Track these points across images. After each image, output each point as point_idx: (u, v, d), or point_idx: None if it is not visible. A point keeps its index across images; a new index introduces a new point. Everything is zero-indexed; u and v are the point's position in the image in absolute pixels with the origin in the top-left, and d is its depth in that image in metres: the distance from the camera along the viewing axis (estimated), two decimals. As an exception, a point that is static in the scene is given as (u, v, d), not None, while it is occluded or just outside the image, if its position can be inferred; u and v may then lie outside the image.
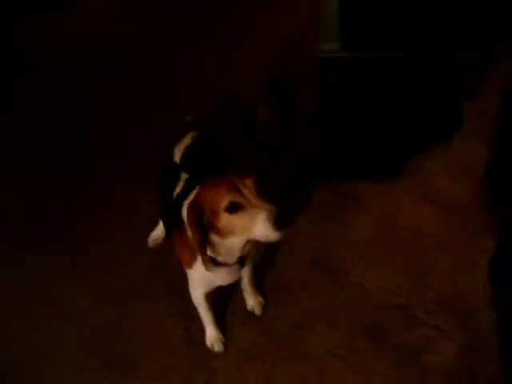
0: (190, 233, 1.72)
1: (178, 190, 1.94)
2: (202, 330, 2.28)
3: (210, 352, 2.24)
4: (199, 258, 1.78)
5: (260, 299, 2.36)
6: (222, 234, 1.70)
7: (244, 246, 1.76)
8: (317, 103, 2.72)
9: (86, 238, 2.78)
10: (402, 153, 2.85)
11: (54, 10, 4.53)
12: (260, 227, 1.58)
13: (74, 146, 3.36)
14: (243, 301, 2.37)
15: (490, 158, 2.75)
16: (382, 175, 2.81)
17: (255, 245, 1.85)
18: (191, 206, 1.71)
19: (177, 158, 2.06)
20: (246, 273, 2.23)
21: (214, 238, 1.73)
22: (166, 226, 2.15)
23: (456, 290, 2.35)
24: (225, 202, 1.61)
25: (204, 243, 1.70)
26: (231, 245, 1.74)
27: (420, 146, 2.91)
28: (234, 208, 1.61)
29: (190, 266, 1.92)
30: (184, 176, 1.97)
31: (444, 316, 2.27)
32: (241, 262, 1.86)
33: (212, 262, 1.79)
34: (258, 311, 2.34)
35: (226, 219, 1.64)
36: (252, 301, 2.35)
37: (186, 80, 3.69)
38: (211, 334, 2.26)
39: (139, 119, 3.43)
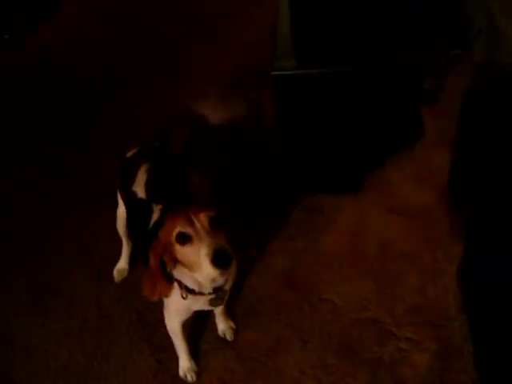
0: (152, 263, 1.71)
1: (154, 219, 1.92)
2: (174, 360, 2.24)
3: (183, 382, 2.20)
4: (175, 287, 1.79)
5: (231, 324, 2.33)
6: (185, 266, 1.69)
7: (213, 281, 1.74)
8: (277, 117, 2.73)
9: (48, 268, 2.71)
10: (365, 164, 2.87)
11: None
12: (202, 262, 1.57)
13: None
14: (215, 326, 2.33)
15: (453, 163, 2.77)
16: (346, 188, 2.81)
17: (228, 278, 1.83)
18: (155, 239, 1.71)
19: (141, 194, 2.03)
20: None
21: (184, 269, 1.72)
22: (143, 257, 2.10)
23: (426, 299, 2.35)
24: (175, 232, 1.62)
25: (163, 274, 1.70)
26: (199, 278, 1.74)
27: (383, 157, 2.92)
28: (183, 239, 1.61)
29: (167, 294, 1.88)
30: (157, 207, 1.94)
31: (416, 327, 2.26)
32: (216, 291, 1.84)
33: (187, 291, 1.78)
34: (229, 336, 2.31)
35: (178, 251, 1.64)
36: (223, 326, 2.32)
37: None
38: (185, 365, 2.22)
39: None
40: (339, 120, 2.70)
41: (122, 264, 2.62)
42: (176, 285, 1.81)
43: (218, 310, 2.28)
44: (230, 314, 2.35)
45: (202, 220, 1.61)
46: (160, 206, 1.93)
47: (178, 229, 1.61)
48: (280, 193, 2.88)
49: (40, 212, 3.02)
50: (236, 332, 2.33)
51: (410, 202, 2.73)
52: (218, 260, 1.54)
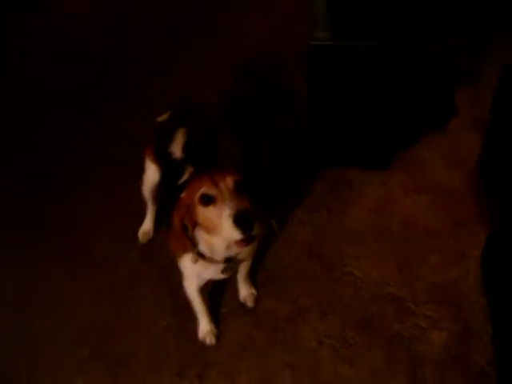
0: (175, 224, 1.74)
1: (184, 178, 1.94)
2: (193, 322, 2.29)
3: (202, 345, 2.25)
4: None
5: (253, 291, 2.37)
6: (203, 229, 1.70)
7: (228, 248, 1.75)
8: (309, 91, 2.70)
9: (75, 229, 2.77)
10: (395, 142, 2.85)
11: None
12: (224, 224, 1.57)
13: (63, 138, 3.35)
14: (237, 292, 2.37)
15: (483, 147, 2.74)
16: (375, 165, 2.80)
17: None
18: (178, 200, 1.73)
19: (178, 155, 2.04)
20: (242, 266, 2.23)
21: (200, 233, 1.73)
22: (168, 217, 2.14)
23: (447, 280, 2.36)
24: (199, 193, 1.62)
25: (186, 236, 1.72)
26: (215, 243, 1.74)
27: (414, 136, 2.91)
28: (206, 200, 1.62)
29: (180, 255, 1.92)
30: (189, 169, 1.96)
31: (435, 306, 2.27)
32: (227, 261, 1.85)
33: (198, 256, 1.78)
34: (250, 303, 2.34)
35: (200, 212, 1.65)
36: (245, 292, 2.35)
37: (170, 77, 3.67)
38: (204, 327, 2.26)
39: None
40: (372, 94, 2.66)
41: (147, 226, 2.66)
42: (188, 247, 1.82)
43: (241, 277, 2.31)
44: (252, 281, 2.38)
45: (227, 182, 1.61)
46: (191, 169, 1.95)
47: (203, 190, 1.62)
48: (308, 165, 2.89)
49: (74, 175, 3.08)
50: (257, 299, 2.36)
51: (439, 183, 2.72)
52: (241, 221, 1.54)
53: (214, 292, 2.39)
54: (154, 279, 2.50)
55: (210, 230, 1.67)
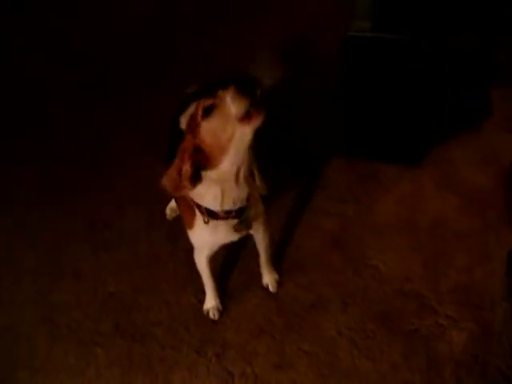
0: (182, 163, 1.63)
1: None
2: (214, 303, 2.33)
3: (221, 325, 2.28)
4: (198, 215, 1.81)
5: (276, 276, 2.38)
6: (209, 155, 1.61)
7: (237, 174, 1.66)
8: (343, 81, 2.68)
9: (100, 205, 2.83)
10: (429, 139, 2.83)
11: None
12: (231, 107, 1.52)
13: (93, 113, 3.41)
14: (260, 277, 2.39)
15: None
16: (407, 160, 2.78)
17: (250, 184, 1.77)
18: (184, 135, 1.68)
19: (183, 125, 2.03)
20: (261, 247, 2.25)
21: (206, 173, 1.65)
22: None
23: (471, 280, 2.34)
24: (200, 111, 1.58)
25: (193, 175, 1.62)
26: (223, 175, 1.65)
27: (448, 134, 2.87)
28: (208, 111, 1.57)
29: (191, 225, 1.92)
30: None
31: (457, 306, 2.25)
32: (239, 214, 1.82)
33: (209, 215, 1.78)
34: (272, 288, 2.36)
35: (204, 129, 1.59)
36: (267, 277, 2.37)
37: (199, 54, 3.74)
38: (209, 301, 2.31)
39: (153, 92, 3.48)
40: (408, 89, 2.64)
41: (174, 202, 2.68)
42: (198, 214, 1.83)
43: (262, 261, 2.33)
44: (275, 267, 2.39)
45: (227, 90, 1.54)
46: None
47: (201, 106, 1.57)
48: (337, 155, 2.89)
49: (102, 151, 3.16)
50: (279, 285, 2.37)
51: (469, 182, 2.69)
52: (243, 88, 1.50)
53: (237, 275, 2.42)
54: (176, 258, 2.53)
55: (214, 146, 1.59)
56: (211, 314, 2.29)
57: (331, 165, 2.86)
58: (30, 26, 4.35)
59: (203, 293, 2.35)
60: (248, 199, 1.80)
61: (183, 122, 1.93)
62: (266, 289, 2.37)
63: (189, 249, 2.46)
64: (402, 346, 2.16)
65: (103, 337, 2.29)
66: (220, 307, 2.31)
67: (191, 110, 1.88)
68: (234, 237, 1.95)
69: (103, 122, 3.35)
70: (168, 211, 2.69)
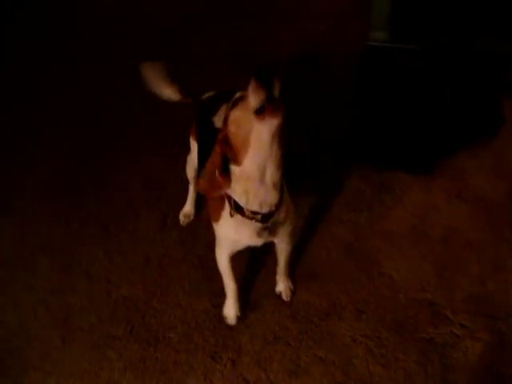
0: (214, 155, 1.68)
1: None
2: (228, 307, 2.33)
3: (236, 330, 2.27)
4: (226, 208, 1.81)
5: (290, 285, 2.39)
6: (234, 148, 1.62)
7: (262, 175, 1.65)
8: (360, 88, 2.71)
9: (113, 208, 2.84)
10: (441, 149, 2.85)
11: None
12: (250, 98, 1.50)
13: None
14: (274, 284, 2.39)
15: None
16: (419, 170, 2.80)
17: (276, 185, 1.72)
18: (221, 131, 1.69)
19: (219, 124, 1.97)
20: (281, 257, 2.26)
21: (234, 169, 1.67)
22: None
23: (485, 291, 2.36)
24: (231, 103, 1.61)
25: (223, 167, 1.66)
26: (246, 174, 1.65)
27: (460, 144, 2.90)
28: (235, 103, 1.60)
29: (217, 217, 1.91)
30: None
31: (471, 316, 2.27)
32: (265, 219, 1.80)
33: (235, 208, 1.77)
34: (285, 297, 2.36)
35: (231, 119, 1.61)
36: (282, 285, 2.37)
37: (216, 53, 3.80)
38: (229, 306, 2.30)
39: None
40: (421, 99, 2.67)
41: (188, 208, 2.70)
42: (226, 207, 1.82)
43: (280, 269, 2.33)
44: (290, 275, 2.40)
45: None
46: None
47: (234, 98, 1.61)
48: (351, 165, 2.91)
49: (116, 153, 3.16)
50: (293, 293, 2.38)
51: (481, 192, 2.72)
52: (261, 76, 1.47)
53: (252, 281, 2.42)
54: (190, 263, 2.53)
55: (240, 143, 1.60)
56: (229, 320, 2.29)
57: (343, 173, 2.88)
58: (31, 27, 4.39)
59: (217, 297, 2.36)
60: (277, 206, 1.79)
61: (218, 121, 1.95)
62: (279, 296, 2.38)
63: (202, 255, 2.51)
64: (417, 354, 2.16)
65: (117, 340, 2.29)
66: (238, 313, 2.29)
67: (223, 110, 1.90)
68: (257, 241, 1.93)
69: (115, 123, 3.36)
70: (181, 217, 2.70)
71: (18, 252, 2.65)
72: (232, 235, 1.94)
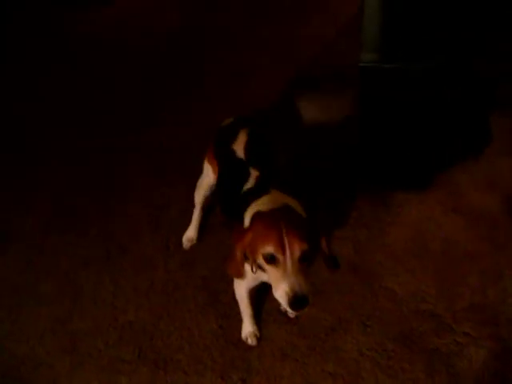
0: (235, 253, 1.76)
1: (248, 185, 1.96)
2: (235, 327, 2.35)
3: (244, 350, 2.29)
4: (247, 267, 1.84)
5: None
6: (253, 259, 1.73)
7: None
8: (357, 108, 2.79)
9: (115, 231, 2.87)
10: (435, 165, 2.92)
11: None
12: (278, 293, 1.62)
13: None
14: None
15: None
16: (414, 185, 2.87)
17: None
18: (241, 231, 1.76)
19: (240, 154, 2.09)
20: None
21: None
22: (227, 215, 2.15)
23: (485, 300, 2.41)
24: (266, 250, 1.63)
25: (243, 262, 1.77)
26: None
27: (453, 159, 2.98)
28: (270, 259, 1.63)
29: (239, 275, 1.89)
30: (254, 173, 1.99)
31: (474, 324, 2.32)
32: None
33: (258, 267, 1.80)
34: (291, 314, 2.38)
35: (261, 261, 1.67)
36: (287, 303, 2.40)
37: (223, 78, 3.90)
38: (247, 328, 2.32)
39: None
40: (413, 118, 2.75)
41: (192, 232, 2.73)
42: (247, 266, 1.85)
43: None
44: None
45: (294, 251, 1.60)
46: (256, 174, 1.98)
47: (269, 250, 1.62)
48: (349, 184, 2.98)
49: (117, 178, 3.21)
50: (299, 309, 2.40)
51: (476, 205, 2.78)
52: (295, 304, 1.58)
53: (258, 300, 2.43)
54: (194, 285, 2.56)
55: (267, 276, 1.71)
56: (250, 341, 2.30)
57: (340, 192, 2.94)
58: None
59: (224, 318, 2.39)
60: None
61: (239, 150, 2.06)
62: (285, 313, 2.40)
63: (206, 276, 2.53)
64: (423, 364, 2.20)
65: (126, 364, 2.30)
66: (258, 333, 2.32)
67: (242, 137, 2.01)
68: None
69: (115, 147, 3.41)
70: (185, 241, 2.73)
71: (23, 280, 2.66)
72: (253, 276, 1.92)
